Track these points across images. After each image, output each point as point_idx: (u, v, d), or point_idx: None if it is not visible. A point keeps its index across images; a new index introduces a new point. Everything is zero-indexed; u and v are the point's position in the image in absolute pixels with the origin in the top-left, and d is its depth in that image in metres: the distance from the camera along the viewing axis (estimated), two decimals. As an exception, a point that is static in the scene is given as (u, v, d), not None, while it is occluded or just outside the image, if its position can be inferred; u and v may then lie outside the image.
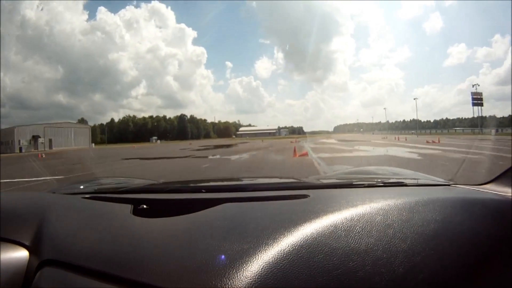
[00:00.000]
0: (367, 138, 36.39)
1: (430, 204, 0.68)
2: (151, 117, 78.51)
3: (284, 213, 0.66)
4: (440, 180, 1.03)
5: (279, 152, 16.02)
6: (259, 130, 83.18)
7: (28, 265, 0.62)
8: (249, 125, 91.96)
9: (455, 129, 52.82)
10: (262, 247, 0.52)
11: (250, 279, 0.46)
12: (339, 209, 0.64)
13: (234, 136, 77.89)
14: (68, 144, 45.77)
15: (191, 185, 1.22)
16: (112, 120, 76.31)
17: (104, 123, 73.98)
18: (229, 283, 0.45)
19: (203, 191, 1.00)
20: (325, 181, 1.15)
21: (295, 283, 0.47)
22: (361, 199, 0.72)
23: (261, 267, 0.48)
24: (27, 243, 0.67)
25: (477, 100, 46.11)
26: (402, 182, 1.01)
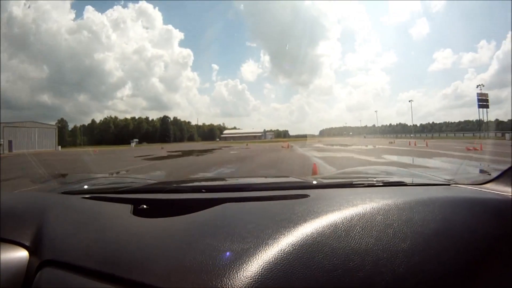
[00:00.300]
0: (369, 142, 30.08)
1: (430, 204, 0.68)
2: (133, 118, 75.19)
3: (284, 213, 0.66)
4: (440, 180, 1.03)
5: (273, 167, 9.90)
6: (244, 133, 78.32)
7: (28, 265, 0.63)
8: (234, 128, 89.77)
9: (454, 133, 51.20)
10: (262, 247, 0.52)
11: (250, 279, 0.46)
12: (339, 209, 0.64)
13: (218, 139, 73.60)
14: (31, 146, 41.27)
15: (191, 185, 1.22)
16: (93, 121, 72.98)
17: (86, 124, 71.20)
18: (229, 283, 0.46)
19: (203, 191, 0.99)
20: (325, 181, 1.14)
21: (295, 283, 0.47)
22: (361, 199, 0.73)
23: (261, 267, 0.48)
24: (27, 244, 0.67)
25: (483, 101, 41.35)
26: (402, 182, 1.01)
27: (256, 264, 0.49)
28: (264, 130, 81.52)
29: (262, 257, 0.50)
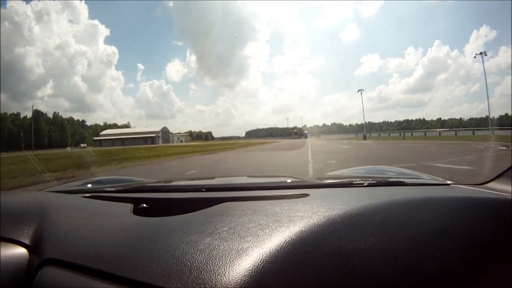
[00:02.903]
0: (337, 143, 25.80)
1: (430, 204, 0.69)
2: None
3: (284, 213, 0.66)
4: (440, 180, 1.03)
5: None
6: (132, 133, 61.76)
7: (29, 264, 0.63)
8: (126, 126, 73.20)
9: (400, 132, 47.77)
10: (262, 246, 0.53)
11: (250, 278, 0.46)
12: (339, 209, 0.64)
13: (82, 145, 55.77)
14: None
15: (191, 184, 1.21)
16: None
17: None
18: (229, 282, 0.46)
19: (203, 190, 0.99)
20: (325, 181, 1.14)
21: (295, 283, 0.47)
22: (361, 198, 0.73)
23: (261, 266, 0.48)
24: (27, 243, 0.67)
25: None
26: (402, 182, 1.01)
27: (256, 263, 0.49)
28: (162, 129, 64.45)
29: (262, 256, 0.50)
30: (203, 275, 0.47)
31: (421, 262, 0.53)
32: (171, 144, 51.95)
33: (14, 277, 0.60)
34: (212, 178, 1.64)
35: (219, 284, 0.46)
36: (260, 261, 0.49)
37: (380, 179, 1.05)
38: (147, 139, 57.97)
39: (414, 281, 0.51)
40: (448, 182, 0.97)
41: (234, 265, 0.49)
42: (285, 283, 0.47)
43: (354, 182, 1.00)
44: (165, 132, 64.28)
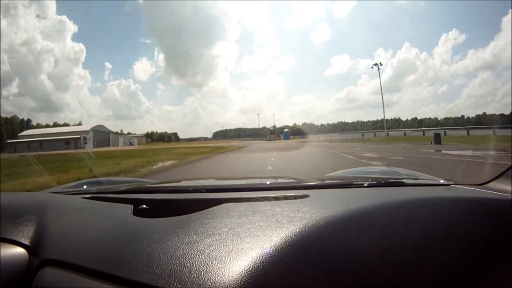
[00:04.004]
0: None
1: (430, 204, 0.69)
2: None
3: (284, 213, 0.66)
4: (440, 180, 1.03)
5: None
6: (50, 134, 47.42)
7: (28, 265, 0.63)
8: (56, 125, 61.05)
9: (375, 132, 44.56)
10: (262, 247, 0.53)
11: (250, 279, 0.47)
12: (339, 209, 0.64)
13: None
14: None
15: (191, 185, 1.21)
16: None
17: None
18: (229, 283, 0.46)
19: (203, 191, 0.99)
20: (325, 181, 1.13)
21: (295, 283, 0.47)
22: (361, 199, 0.74)
23: (261, 267, 0.48)
24: (27, 243, 0.67)
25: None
26: (402, 182, 1.01)
27: (256, 264, 0.49)
28: (95, 128, 50.54)
29: (262, 257, 0.50)
30: (203, 276, 0.47)
31: (422, 263, 0.53)
32: (102, 149, 35.80)
33: (14, 277, 0.60)
34: (212, 178, 1.60)
35: (219, 285, 0.46)
36: (260, 262, 0.49)
37: (380, 180, 1.05)
38: (70, 142, 44.14)
39: (415, 281, 0.51)
40: (448, 182, 0.97)
41: (234, 266, 0.49)
42: (285, 284, 0.47)
43: (354, 183, 0.99)
44: (99, 132, 50.71)
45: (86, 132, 48.32)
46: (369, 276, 0.50)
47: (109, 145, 48.12)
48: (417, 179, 1.15)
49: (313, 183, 1.04)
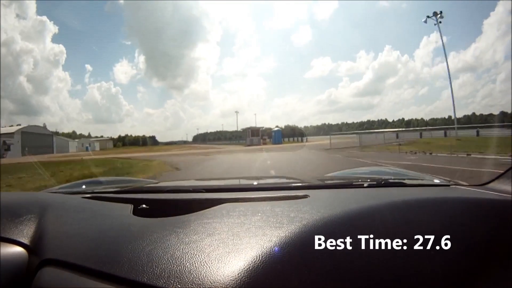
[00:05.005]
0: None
1: (430, 204, 0.69)
2: None
3: (284, 214, 0.66)
4: (440, 180, 1.03)
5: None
6: None
7: (28, 264, 0.63)
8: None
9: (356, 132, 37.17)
10: (262, 247, 0.53)
11: (250, 279, 0.47)
12: (339, 210, 0.64)
13: None
14: None
15: (191, 185, 1.21)
16: None
17: None
18: (228, 283, 0.46)
19: (203, 191, 0.98)
20: (325, 182, 1.13)
21: (295, 283, 0.47)
22: (361, 199, 0.74)
23: (261, 267, 0.48)
24: (27, 243, 0.67)
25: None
26: (402, 182, 1.01)
27: (256, 264, 0.49)
28: (24, 130, 36.85)
29: (261, 257, 0.50)
30: (203, 275, 0.47)
31: (422, 263, 0.53)
32: (33, 157, 25.42)
33: (14, 277, 0.60)
34: (212, 179, 1.64)
35: (218, 285, 0.46)
36: (259, 262, 0.49)
37: (380, 180, 1.05)
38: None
39: (415, 281, 0.51)
40: (448, 183, 0.97)
41: (233, 266, 0.49)
42: (285, 284, 0.47)
43: (354, 183, 0.99)
44: (33, 135, 37.37)
45: (10, 135, 35.00)
46: (369, 276, 0.50)
47: (52, 151, 36.77)
48: (417, 179, 1.15)
49: (313, 183, 1.04)
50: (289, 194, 0.85)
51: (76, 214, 0.81)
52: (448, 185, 0.95)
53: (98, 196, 0.97)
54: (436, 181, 1.04)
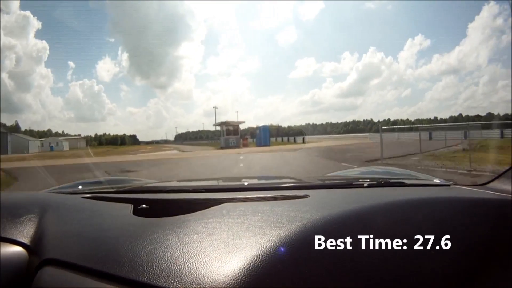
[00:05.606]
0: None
1: (430, 204, 0.69)
2: None
3: (284, 213, 0.66)
4: (440, 180, 1.03)
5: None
6: None
7: (28, 264, 0.63)
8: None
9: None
10: (262, 247, 0.53)
11: (250, 279, 0.47)
12: (339, 210, 0.64)
13: None
14: None
15: (191, 185, 1.21)
16: None
17: None
18: (228, 282, 0.46)
19: (203, 191, 0.98)
20: (325, 181, 1.13)
21: (295, 283, 0.47)
22: (361, 199, 0.74)
23: (261, 267, 0.49)
24: (27, 243, 0.67)
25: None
26: (402, 182, 1.01)
27: (256, 264, 0.49)
28: None
29: (261, 257, 0.50)
30: (203, 275, 0.48)
31: (422, 263, 0.53)
32: None
33: (14, 277, 0.60)
34: (212, 179, 1.63)
35: (218, 285, 0.46)
36: (259, 262, 0.49)
37: (380, 180, 1.05)
38: None
39: (415, 281, 0.51)
40: (448, 183, 0.97)
41: (233, 265, 0.49)
42: (285, 284, 0.47)
43: (354, 183, 0.99)
44: None
45: None
46: (369, 275, 0.50)
47: (6, 151, 31.07)
48: (417, 179, 1.14)
49: (313, 183, 1.03)
50: (289, 194, 0.85)
51: (76, 214, 0.81)
52: (448, 185, 0.95)
53: (98, 196, 0.97)
54: (436, 181, 1.04)
